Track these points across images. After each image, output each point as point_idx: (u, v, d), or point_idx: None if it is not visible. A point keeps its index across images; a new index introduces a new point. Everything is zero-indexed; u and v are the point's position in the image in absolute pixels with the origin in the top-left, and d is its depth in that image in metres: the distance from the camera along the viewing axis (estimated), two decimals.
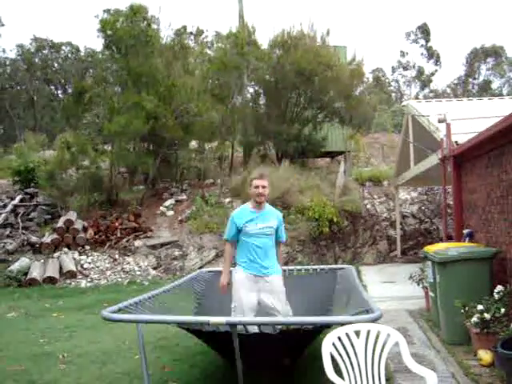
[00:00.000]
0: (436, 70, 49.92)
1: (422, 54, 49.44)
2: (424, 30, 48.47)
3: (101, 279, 11.79)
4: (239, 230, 4.81)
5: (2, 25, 39.48)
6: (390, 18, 79.36)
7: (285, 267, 7.32)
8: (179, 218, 14.05)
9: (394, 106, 34.43)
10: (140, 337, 4.08)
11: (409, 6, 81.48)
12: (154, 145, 15.66)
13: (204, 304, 5.85)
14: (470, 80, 49.10)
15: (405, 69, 49.97)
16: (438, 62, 49.45)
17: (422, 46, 49.24)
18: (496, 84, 47.75)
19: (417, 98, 44.62)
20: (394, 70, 50.90)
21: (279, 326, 3.97)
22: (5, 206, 15.01)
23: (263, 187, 4.73)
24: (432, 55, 48.94)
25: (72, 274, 11.71)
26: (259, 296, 4.72)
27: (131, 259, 12.55)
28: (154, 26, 15.64)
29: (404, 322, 7.00)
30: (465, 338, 5.55)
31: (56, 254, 12.43)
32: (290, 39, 17.66)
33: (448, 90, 50.20)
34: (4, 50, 39.67)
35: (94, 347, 6.20)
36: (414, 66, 49.64)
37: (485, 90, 45.41)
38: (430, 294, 6.73)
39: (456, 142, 7.78)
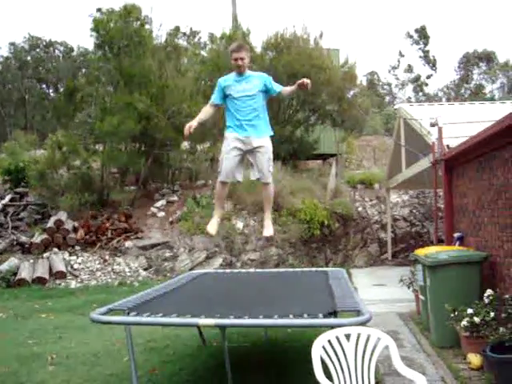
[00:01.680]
0: (431, 75, 50.17)
1: (419, 56, 49.62)
2: (422, 34, 48.63)
3: (91, 280, 11.72)
4: (225, 95, 4.97)
5: None
6: (383, 22, 79.67)
7: (275, 269, 7.32)
8: (170, 219, 14.01)
9: (387, 109, 34.56)
10: (129, 339, 4.06)
11: (402, 10, 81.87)
12: (146, 145, 15.60)
13: (194, 305, 5.83)
14: (464, 84, 49.36)
15: (406, 71, 50.05)
16: (434, 66, 49.68)
17: (419, 49, 49.43)
18: (488, 88, 48.09)
19: (409, 101, 44.81)
20: (390, 71, 50.97)
21: None
22: None
23: (241, 59, 4.87)
24: (429, 60, 49.14)
25: (62, 275, 11.63)
26: (244, 152, 4.96)
27: (122, 260, 12.49)
28: (147, 27, 15.60)
29: (394, 325, 7.02)
30: (454, 342, 5.58)
31: (46, 255, 12.34)
32: (283, 41, 17.69)
33: (440, 94, 50.48)
34: None
35: (83, 349, 6.17)
36: (412, 70, 49.81)
37: (477, 94, 45.69)
38: (421, 297, 6.75)
39: (447, 145, 7.82)
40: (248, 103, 4.92)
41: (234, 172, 4.96)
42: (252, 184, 13.49)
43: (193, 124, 4.82)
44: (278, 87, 5.08)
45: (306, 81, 4.78)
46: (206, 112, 5.07)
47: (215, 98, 5.06)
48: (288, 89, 5.11)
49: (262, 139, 4.97)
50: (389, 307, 8.26)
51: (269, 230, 5.23)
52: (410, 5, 77.64)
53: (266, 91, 5.03)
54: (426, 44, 49.01)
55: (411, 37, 49.19)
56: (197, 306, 5.16)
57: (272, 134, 5.13)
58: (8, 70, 38.69)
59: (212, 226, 5.13)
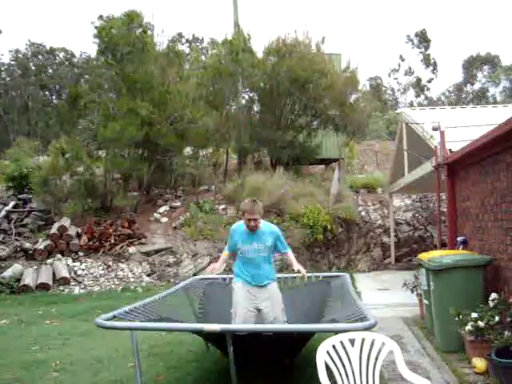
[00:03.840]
0: (432, 79, 50.19)
1: (421, 60, 49.66)
2: (423, 38, 48.69)
3: (94, 286, 11.72)
4: (236, 245, 5.04)
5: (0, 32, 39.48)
6: (385, 27, 79.83)
7: (279, 274, 7.33)
8: (173, 225, 14.01)
9: (389, 114, 34.57)
10: (134, 344, 4.06)
11: (404, 14, 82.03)
12: (149, 151, 15.63)
13: (198, 310, 5.84)
14: (466, 88, 49.37)
15: (406, 74, 50.08)
16: (435, 69, 49.72)
17: (420, 52, 49.49)
18: (491, 92, 48.11)
19: (411, 105, 44.81)
20: (390, 74, 51.01)
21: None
22: None
23: (255, 220, 4.88)
24: (429, 63, 49.18)
25: (65, 281, 11.64)
26: (256, 303, 4.90)
27: (125, 266, 12.49)
28: (149, 33, 15.66)
29: (398, 329, 7.00)
30: (459, 346, 5.56)
31: (49, 261, 12.36)
32: (285, 46, 17.72)
33: (442, 98, 50.47)
34: (1, 56, 39.50)
35: (88, 355, 6.16)
36: (412, 73, 49.84)
37: (480, 98, 45.69)
38: (424, 301, 6.73)
39: (450, 149, 7.82)
40: (258, 260, 4.99)
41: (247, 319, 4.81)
42: (257, 190, 13.54)
43: (217, 268, 5.05)
44: (285, 248, 5.23)
45: (305, 275, 5.14)
46: (226, 260, 5.25)
47: (231, 248, 5.13)
48: (290, 261, 5.23)
49: (270, 287, 5.02)
50: (392, 311, 8.23)
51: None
52: (411, 9, 77.84)
53: (274, 245, 5.11)
54: (426, 48, 49.07)
55: (412, 41, 49.27)
56: (201, 311, 5.18)
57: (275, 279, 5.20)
58: (11, 77, 38.85)
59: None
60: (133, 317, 4.24)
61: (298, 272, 5.06)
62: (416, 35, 49.11)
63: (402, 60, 49.99)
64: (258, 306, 4.90)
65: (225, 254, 5.25)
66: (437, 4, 76.09)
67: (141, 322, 4.06)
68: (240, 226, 5.10)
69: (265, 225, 5.10)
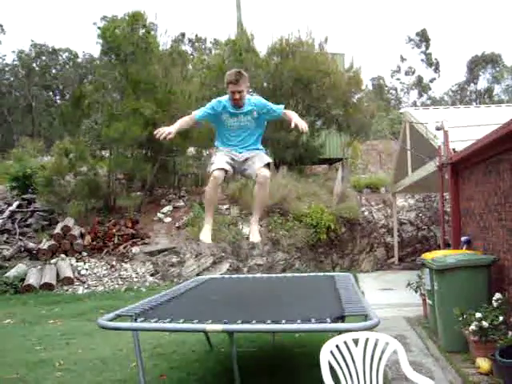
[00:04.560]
0: (434, 78, 50.12)
1: (422, 60, 49.62)
2: (423, 37, 48.65)
3: (98, 286, 11.74)
4: (217, 116, 4.74)
5: (3, 31, 39.58)
6: (388, 26, 79.73)
7: (281, 274, 7.31)
8: (177, 225, 14.03)
9: (392, 113, 34.50)
10: (137, 345, 4.06)
11: (407, 14, 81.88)
12: (152, 151, 15.65)
13: (201, 310, 5.83)
14: (470, 87, 49.27)
15: (406, 74, 50.07)
16: (437, 69, 49.64)
17: (422, 52, 49.43)
18: (496, 91, 48.00)
19: (415, 105, 44.75)
20: (392, 75, 51.01)
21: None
22: (2, 211, 14.96)
23: (239, 92, 4.58)
24: (431, 62, 49.11)
25: (69, 281, 11.66)
26: (239, 159, 4.74)
27: (128, 266, 12.51)
28: (153, 33, 15.68)
29: (402, 329, 6.99)
30: (463, 346, 5.55)
31: (53, 261, 12.38)
32: (288, 46, 17.72)
33: (446, 98, 50.38)
34: (4, 58, 39.61)
35: (91, 354, 6.17)
36: (413, 72, 49.80)
37: (483, 97, 45.61)
38: (428, 301, 6.72)
39: (453, 149, 7.80)
40: (242, 135, 4.75)
41: (226, 170, 4.59)
42: None
43: (171, 132, 4.57)
44: (279, 108, 4.79)
45: (302, 126, 4.48)
46: (185, 123, 4.83)
47: (201, 115, 4.79)
48: (289, 117, 4.71)
49: (256, 151, 4.80)
50: (396, 311, 8.23)
51: (255, 235, 4.87)
52: (414, 9, 77.72)
53: (265, 119, 4.83)
54: (427, 47, 49.01)
55: (413, 40, 49.21)
56: (204, 311, 5.16)
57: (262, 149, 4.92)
58: (15, 78, 38.96)
59: (205, 235, 4.74)
60: (135, 317, 4.24)
61: (296, 126, 4.53)
62: (417, 34, 49.06)
63: (403, 60, 49.98)
64: (238, 167, 4.74)
65: (187, 116, 4.88)
66: (440, 4, 76.00)
67: (142, 323, 4.06)
68: (226, 99, 4.77)
69: (248, 99, 4.78)
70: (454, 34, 75.80)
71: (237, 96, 4.59)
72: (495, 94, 47.38)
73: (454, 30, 76.86)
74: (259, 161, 4.68)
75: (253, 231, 4.90)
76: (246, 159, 4.72)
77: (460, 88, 50.18)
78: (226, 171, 4.57)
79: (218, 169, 4.52)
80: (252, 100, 4.79)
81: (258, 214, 4.91)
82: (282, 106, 4.83)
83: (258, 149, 4.84)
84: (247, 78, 4.72)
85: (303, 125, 4.47)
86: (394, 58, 79.82)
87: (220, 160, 4.63)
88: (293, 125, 4.49)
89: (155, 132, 4.61)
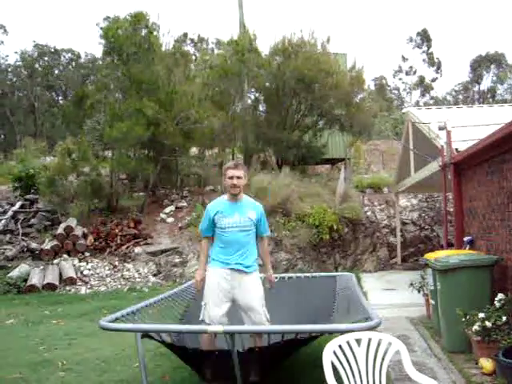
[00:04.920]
0: (436, 78, 50.06)
1: (423, 60, 49.57)
2: (424, 37, 48.61)
3: (100, 286, 11.75)
4: (214, 224, 4.52)
5: (5, 32, 39.68)
6: (391, 26, 79.64)
7: (284, 274, 7.30)
8: (179, 225, 14.03)
9: (395, 114, 34.49)
10: (139, 346, 4.06)
11: (409, 13, 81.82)
12: (155, 151, 15.67)
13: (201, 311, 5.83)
14: (474, 87, 49.21)
15: (407, 74, 50.04)
16: (439, 68, 49.58)
17: (423, 52, 49.38)
18: (500, 91, 47.93)
19: (417, 104, 44.71)
20: (395, 75, 50.98)
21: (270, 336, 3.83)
22: (5, 212, 15.00)
23: (238, 178, 4.41)
24: (433, 62, 49.06)
25: (72, 281, 11.67)
26: (231, 295, 4.46)
27: (131, 266, 12.52)
28: (155, 33, 15.70)
29: (405, 329, 6.97)
30: (466, 346, 5.53)
31: (56, 261, 12.40)
32: (291, 46, 17.71)
33: (448, 97, 50.33)
34: (6, 58, 39.70)
35: (94, 355, 6.17)
36: (415, 72, 49.76)
37: (486, 96, 45.53)
38: (431, 301, 6.71)
39: (456, 149, 7.79)
40: (240, 237, 4.45)
41: (220, 320, 4.32)
42: (261, 189, 13.55)
43: (199, 277, 4.57)
44: (266, 231, 4.70)
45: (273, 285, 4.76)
46: (205, 249, 4.67)
47: (206, 231, 4.61)
48: (262, 256, 4.77)
49: (250, 278, 4.49)
50: (399, 312, 8.21)
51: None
52: (416, 9, 77.63)
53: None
54: (429, 47, 48.96)
55: (415, 40, 49.16)
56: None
57: (257, 268, 4.65)
58: (18, 78, 39.04)
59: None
60: (137, 318, 4.23)
61: (268, 279, 4.65)
62: (418, 34, 49.00)
63: (405, 60, 49.93)
64: (233, 297, 4.45)
65: (204, 242, 4.70)
66: (442, 4, 75.88)
67: (144, 324, 4.06)
68: (218, 199, 4.69)
69: (247, 198, 4.67)
70: (457, 33, 75.75)
71: (235, 181, 4.40)
72: (499, 93, 47.32)
73: (456, 30, 76.81)
74: (256, 301, 4.45)
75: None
76: (243, 306, 4.46)
77: (463, 88, 50.12)
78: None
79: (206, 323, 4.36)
80: (251, 200, 4.71)
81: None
82: (268, 231, 4.79)
83: (255, 271, 4.59)
84: (247, 169, 4.64)
85: (272, 280, 4.86)
86: (396, 58, 79.76)
87: (214, 312, 4.37)
88: (266, 274, 4.78)
89: (196, 291, 4.73)
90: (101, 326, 3.87)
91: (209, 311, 4.39)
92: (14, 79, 39.63)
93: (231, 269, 4.44)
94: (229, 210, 4.47)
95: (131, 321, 4.16)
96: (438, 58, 49.22)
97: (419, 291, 7.81)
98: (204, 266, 4.63)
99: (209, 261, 4.64)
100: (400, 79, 50.92)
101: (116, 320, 4.07)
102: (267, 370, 3.97)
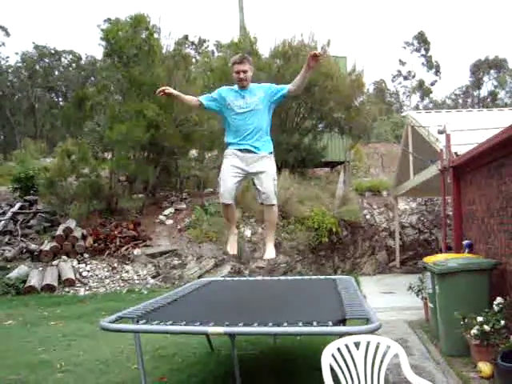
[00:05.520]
0: (436, 81, 50.15)
1: (422, 63, 49.68)
2: (422, 40, 48.70)
3: (99, 287, 11.75)
4: (225, 107, 4.69)
5: (7, 34, 39.73)
6: (391, 29, 79.85)
7: (282, 277, 7.29)
8: (178, 227, 14.03)
9: (394, 117, 34.53)
10: (138, 346, 4.06)
11: (409, 17, 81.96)
12: (154, 153, 15.67)
13: (203, 312, 5.84)
14: (474, 91, 49.28)
15: (405, 78, 50.15)
16: (437, 71, 49.67)
17: (422, 55, 49.48)
18: (500, 95, 48.00)
19: (417, 108, 44.76)
20: (393, 79, 51.09)
21: None
22: (4, 213, 14.99)
23: (244, 72, 4.60)
24: (431, 64, 49.14)
25: (71, 282, 11.67)
26: (246, 173, 4.73)
27: (130, 268, 12.52)
28: (156, 36, 15.72)
29: (403, 332, 6.98)
30: (464, 350, 5.54)
31: (55, 262, 12.39)
32: (291, 49, 17.72)
33: (448, 101, 50.40)
34: (7, 59, 39.72)
35: (92, 356, 6.18)
36: (413, 76, 49.85)
37: (489, 101, 45.58)
38: (430, 304, 6.72)
39: (456, 152, 7.80)
40: (251, 120, 4.65)
41: (235, 193, 4.73)
42: None
43: (173, 92, 4.66)
44: (284, 86, 4.80)
45: (317, 52, 4.43)
46: (189, 100, 4.84)
47: (206, 98, 4.78)
48: (298, 77, 4.70)
49: (266, 159, 4.74)
50: (397, 315, 8.22)
51: (271, 253, 4.96)
52: (416, 13, 77.77)
53: (273, 101, 4.76)
54: (426, 50, 49.06)
55: (412, 44, 49.25)
56: (206, 313, 5.16)
57: (272, 151, 4.87)
58: (18, 79, 39.06)
59: (231, 246, 5.01)
60: (137, 319, 4.24)
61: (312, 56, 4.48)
62: (414, 38, 49.09)
63: (403, 64, 50.03)
64: (246, 173, 4.73)
65: (194, 97, 4.86)
66: (441, 8, 75.99)
67: (144, 325, 4.07)
68: (229, 87, 4.81)
69: (256, 84, 4.82)
70: (457, 37, 75.91)
71: (242, 75, 4.61)
72: (499, 97, 47.40)
73: (457, 34, 76.94)
74: (272, 184, 4.71)
75: (268, 249, 4.99)
76: (260, 171, 4.72)
77: (463, 92, 50.20)
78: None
79: (226, 204, 4.74)
80: (259, 84, 4.84)
81: (271, 233, 5.04)
82: (287, 85, 4.82)
83: (270, 154, 4.82)
84: (251, 61, 4.77)
85: (316, 52, 4.49)
86: (396, 62, 79.99)
87: (227, 187, 4.69)
88: (308, 58, 4.49)
89: (159, 91, 4.65)
90: (101, 326, 3.87)
91: (225, 183, 4.71)
92: (15, 80, 39.63)
93: (243, 149, 4.68)
94: (239, 95, 4.68)
95: (132, 321, 4.16)
96: (436, 61, 49.34)
97: (418, 295, 7.82)
98: (179, 94, 4.80)
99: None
100: (399, 83, 51.03)
101: (117, 321, 4.07)
102: None
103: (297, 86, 4.76)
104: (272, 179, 4.73)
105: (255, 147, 4.69)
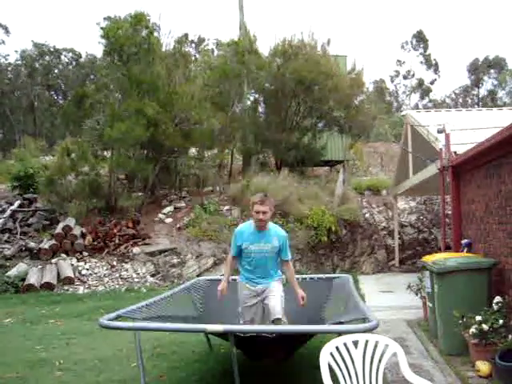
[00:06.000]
0: (435, 79, 50.12)
1: (421, 62, 49.62)
2: (420, 38, 48.68)
3: (98, 286, 11.75)
4: (241, 249, 4.86)
5: (7, 32, 39.67)
6: (391, 29, 79.76)
7: (282, 276, 7.29)
8: (178, 226, 14.03)
9: (394, 116, 34.49)
10: (138, 344, 4.06)
11: (409, 15, 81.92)
12: (154, 152, 15.66)
13: (202, 311, 5.84)
14: (473, 90, 49.26)
15: (404, 78, 50.11)
16: (436, 70, 49.64)
17: (420, 54, 49.44)
18: (500, 94, 47.97)
19: (416, 107, 44.74)
20: (392, 80, 51.07)
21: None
22: (3, 211, 14.97)
23: (264, 213, 4.68)
24: (430, 63, 49.12)
25: (70, 281, 11.66)
26: (262, 302, 4.84)
27: (129, 266, 12.51)
28: (156, 34, 15.70)
29: (402, 331, 6.98)
30: (463, 349, 5.54)
31: (54, 260, 12.39)
32: (291, 48, 17.73)
33: (448, 100, 50.38)
34: (6, 57, 39.65)
35: (91, 354, 6.18)
36: (413, 75, 49.80)
37: (487, 100, 45.55)
38: (428, 303, 6.72)
39: (455, 152, 7.80)
40: (263, 261, 4.83)
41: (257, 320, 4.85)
42: (261, 191, 13.55)
43: (225, 286, 4.86)
44: (287, 256, 4.96)
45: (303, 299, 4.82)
46: (231, 266, 5.07)
47: (235, 251, 4.94)
48: (290, 279, 5.00)
49: (273, 284, 4.88)
50: (396, 314, 8.22)
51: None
52: (416, 12, 77.72)
53: (277, 252, 4.92)
54: (425, 48, 49.02)
55: (410, 43, 49.22)
56: (204, 312, 5.18)
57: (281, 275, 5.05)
58: (18, 77, 38.99)
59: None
60: (136, 317, 4.25)
61: (301, 297, 4.83)
62: (413, 36, 49.06)
63: (401, 64, 49.99)
64: (263, 302, 4.84)
65: (229, 258, 5.10)
66: (442, 7, 75.98)
67: (144, 323, 4.07)
68: (246, 225, 4.97)
69: (273, 226, 4.97)
70: (457, 36, 75.84)
71: (261, 216, 4.67)
72: (499, 97, 47.37)
73: (456, 33, 76.89)
74: (274, 299, 4.76)
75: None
76: (264, 290, 4.86)
77: (463, 91, 50.17)
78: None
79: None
80: (277, 229, 4.95)
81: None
82: (289, 256, 5.01)
83: (278, 277, 4.99)
84: (273, 201, 4.87)
85: (303, 295, 4.85)
86: (396, 61, 79.91)
87: (245, 317, 4.89)
88: (298, 294, 4.85)
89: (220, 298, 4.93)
90: (101, 324, 3.88)
91: (243, 316, 4.90)
92: (14, 78, 39.56)
93: (256, 284, 4.86)
94: (255, 238, 4.79)
95: (131, 319, 4.17)
96: (435, 59, 49.32)
97: (417, 294, 7.82)
98: (227, 278, 5.00)
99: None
100: (398, 83, 50.99)
101: (116, 319, 4.08)
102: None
103: (285, 275, 5.06)
104: (279, 298, 4.82)
105: (265, 279, 4.88)
